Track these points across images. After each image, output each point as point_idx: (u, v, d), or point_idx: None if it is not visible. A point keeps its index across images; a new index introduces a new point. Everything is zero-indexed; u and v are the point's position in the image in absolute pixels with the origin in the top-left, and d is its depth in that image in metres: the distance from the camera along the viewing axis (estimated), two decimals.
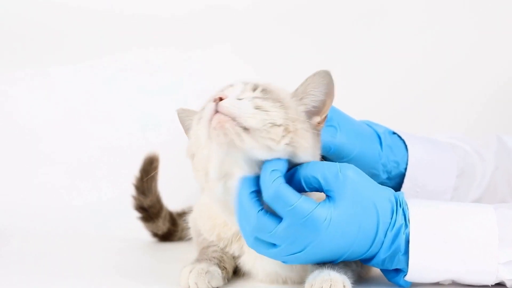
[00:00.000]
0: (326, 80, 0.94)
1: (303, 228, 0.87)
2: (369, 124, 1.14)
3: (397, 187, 1.14)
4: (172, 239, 1.50)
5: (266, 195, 0.87)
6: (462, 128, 1.77)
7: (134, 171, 1.48)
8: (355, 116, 1.13)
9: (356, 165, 1.04)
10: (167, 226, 1.48)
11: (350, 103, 1.23)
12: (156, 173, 1.43)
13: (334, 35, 1.90)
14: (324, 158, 1.05)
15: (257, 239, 0.90)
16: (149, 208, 1.46)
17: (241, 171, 0.89)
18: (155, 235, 1.50)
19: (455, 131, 1.56)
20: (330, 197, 0.89)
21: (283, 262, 0.93)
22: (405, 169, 1.13)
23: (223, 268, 1.01)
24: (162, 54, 1.94)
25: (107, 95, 1.93)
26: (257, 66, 1.87)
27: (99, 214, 1.75)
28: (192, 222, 1.17)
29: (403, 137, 1.15)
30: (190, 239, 1.25)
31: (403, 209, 0.92)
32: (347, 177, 0.89)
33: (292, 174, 0.91)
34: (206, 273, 0.97)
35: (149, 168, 1.43)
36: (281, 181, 0.87)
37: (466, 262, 0.89)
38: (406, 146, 1.14)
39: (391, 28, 1.88)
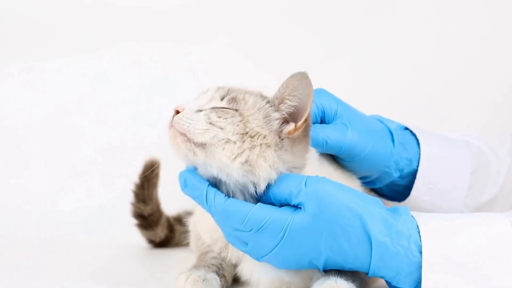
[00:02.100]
0: (302, 83, 0.93)
1: (261, 234, 0.89)
2: (380, 120, 1.13)
3: (409, 185, 1.13)
4: (168, 246, 1.49)
5: (215, 219, 0.92)
6: (475, 127, 1.76)
7: (127, 173, 1.47)
8: (366, 113, 1.12)
9: (368, 164, 1.05)
10: (165, 233, 1.47)
11: (360, 99, 1.22)
12: (157, 180, 1.43)
13: (340, 27, 1.89)
14: (334, 157, 1.05)
15: (230, 235, 0.93)
16: (149, 216, 1.44)
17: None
18: (152, 242, 1.49)
19: (468, 129, 1.56)
20: (298, 207, 0.90)
21: (276, 266, 0.94)
22: (417, 166, 1.12)
23: (221, 276, 1.01)
24: (157, 48, 1.93)
25: (98, 92, 1.92)
26: (258, 60, 1.87)
27: (91, 219, 1.73)
28: (193, 225, 1.17)
29: (415, 132, 1.14)
30: (187, 244, 1.24)
31: (398, 227, 0.89)
32: (313, 190, 0.89)
33: (266, 191, 0.92)
34: (203, 280, 0.97)
35: (150, 175, 1.41)
36: (222, 199, 0.91)
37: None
38: (418, 142, 1.13)
39: (402, 22, 1.88)
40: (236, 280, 1.05)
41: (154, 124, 1.88)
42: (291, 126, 0.93)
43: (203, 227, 1.08)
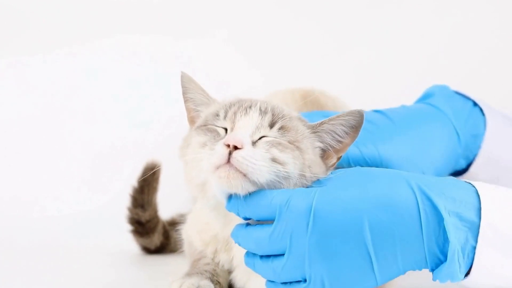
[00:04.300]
0: (356, 123, 0.95)
1: (288, 214, 0.86)
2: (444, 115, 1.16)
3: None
4: (163, 252, 1.49)
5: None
6: None
7: (120, 175, 1.47)
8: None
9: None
10: (160, 240, 1.47)
11: (365, 96, 1.23)
12: (158, 184, 1.42)
13: (343, 21, 1.89)
14: None
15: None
16: (146, 223, 1.44)
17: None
18: (146, 249, 1.49)
19: None
20: None
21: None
22: (481, 142, 1.16)
23: (216, 282, 1.02)
24: (152, 42, 1.93)
25: (89, 89, 1.92)
26: (258, 55, 1.86)
27: (82, 225, 1.74)
28: (185, 233, 1.18)
29: (484, 111, 1.18)
30: (183, 251, 1.24)
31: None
32: (288, 210, 0.88)
33: None
34: None
35: (151, 179, 1.41)
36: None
37: None
38: (484, 120, 1.17)
39: (411, 14, 1.88)
40: (232, 286, 1.06)
41: (148, 124, 1.88)
42: (334, 159, 0.97)
43: (193, 230, 1.10)
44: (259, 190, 0.89)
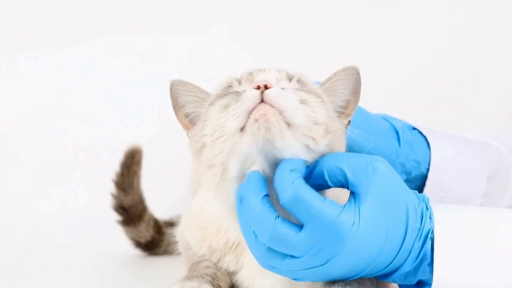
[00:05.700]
0: (354, 78, 0.96)
1: (328, 236, 0.85)
2: (385, 118, 1.14)
3: (418, 190, 1.13)
4: (157, 251, 1.50)
5: (285, 197, 0.85)
6: (495, 125, 1.77)
7: (113, 174, 1.47)
8: (371, 110, 1.13)
9: None
10: (151, 234, 1.48)
11: (366, 94, 1.23)
12: (139, 168, 1.45)
13: (346, 17, 1.90)
14: None
15: (270, 250, 0.88)
16: (130, 208, 1.46)
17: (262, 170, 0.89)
18: (138, 244, 1.50)
19: (487, 128, 1.57)
20: (355, 194, 0.87)
21: (295, 279, 0.91)
22: (427, 169, 1.12)
23: (217, 286, 1.01)
24: (146, 40, 1.94)
25: (82, 87, 1.93)
26: (258, 52, 1.86)
27: (74, 224, 1.74)
28: (180, 236, 1.17)
29: (424, 133, 1.15)
30: (179, 253, 1.25)
31: (430, 213, 0.90)
32: (377, 171, 0.87)
33: (313, 167, 0.90)
34: None
35: (130, 162, 1.45)
36: (301, 182, 0.86)
37: (504, 277, 0.87)
38: (428, 143, 1.14)
39: (415, 10, 1.89)
40: None
41: (143, 122, 1.89)
42: (345, 120, 0.96)
43: (195, 239, 1.08)
44: (313, 192, 0.86)
